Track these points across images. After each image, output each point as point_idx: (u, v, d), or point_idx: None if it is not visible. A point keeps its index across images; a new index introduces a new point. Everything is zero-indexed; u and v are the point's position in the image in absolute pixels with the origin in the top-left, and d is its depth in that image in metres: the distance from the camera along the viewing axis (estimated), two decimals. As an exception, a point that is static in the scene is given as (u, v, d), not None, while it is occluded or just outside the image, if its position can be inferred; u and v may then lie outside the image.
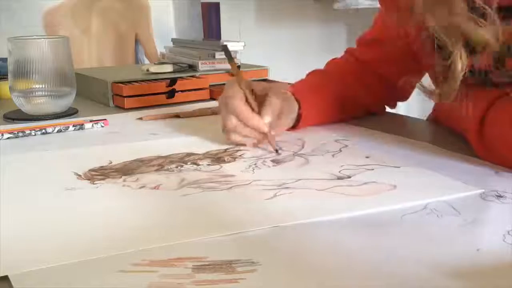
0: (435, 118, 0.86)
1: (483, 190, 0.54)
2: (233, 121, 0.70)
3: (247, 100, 0.70)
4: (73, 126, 0.81)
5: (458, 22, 0.60)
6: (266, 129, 0.69)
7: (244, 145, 0.71)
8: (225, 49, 0.76)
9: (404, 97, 0.88)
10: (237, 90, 0.71)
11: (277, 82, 0.88)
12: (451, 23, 0.60)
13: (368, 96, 0.85)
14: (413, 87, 0.82)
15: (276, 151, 0.68)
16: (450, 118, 0.77)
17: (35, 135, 0.79)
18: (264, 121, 0.69)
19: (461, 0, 0.59)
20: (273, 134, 0.70)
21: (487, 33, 0.59)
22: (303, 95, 0.78)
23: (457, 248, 0.43)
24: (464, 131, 0.68)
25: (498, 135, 0.61)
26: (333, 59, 0.90)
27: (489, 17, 0.59)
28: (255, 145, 0.71)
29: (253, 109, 0.70)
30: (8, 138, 0.78)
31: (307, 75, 0.87)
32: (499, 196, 0.53)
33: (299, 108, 0.77)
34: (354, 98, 0.83)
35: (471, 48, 0.62)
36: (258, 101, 0.71)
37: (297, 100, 0.77)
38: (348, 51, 0.89)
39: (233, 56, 1.11)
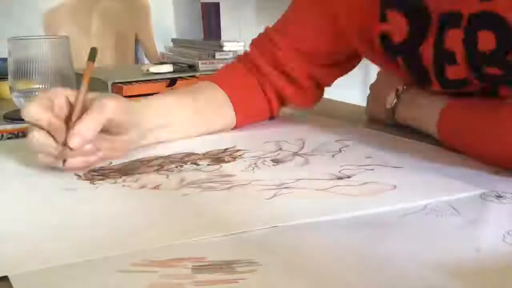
0: None
1: (483, 191, 0.54)
2: (36, 137, 0.58)
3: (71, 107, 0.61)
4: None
5: None
6: (65, 157, 0.58)
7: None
8: (92, 51, 0.68)
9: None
10: (43, 97, 0.60)
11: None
12: None
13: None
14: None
15: (64, 162, 0.58)
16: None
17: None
18: (78, 131, 0.57)
19: None
20: (88, 150, 0.59)
21: None
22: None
23: (457, 248, 0.42)
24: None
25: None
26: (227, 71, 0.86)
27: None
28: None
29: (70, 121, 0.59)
30: (8, 138, 0.78)
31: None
32: (499, 197, 0.53)
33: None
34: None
35: None
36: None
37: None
38: (244, 59, 0.84)
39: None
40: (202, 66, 1.09)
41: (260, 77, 0.81)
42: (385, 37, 0.70)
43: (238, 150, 0.69)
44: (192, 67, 1.10)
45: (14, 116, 0.90)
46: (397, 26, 0.67)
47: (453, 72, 0.64)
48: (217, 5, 2.17)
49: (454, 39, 0.62)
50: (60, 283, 0.38)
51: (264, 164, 0.64)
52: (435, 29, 0.64)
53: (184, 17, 2.66)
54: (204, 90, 0.80)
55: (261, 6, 2.37)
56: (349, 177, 0.59)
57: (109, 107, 0.61)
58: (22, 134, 0.79)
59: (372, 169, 0.61)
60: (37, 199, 0.55)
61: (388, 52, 0.71)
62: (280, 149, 0.70)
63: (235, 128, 0.81)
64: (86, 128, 0.58)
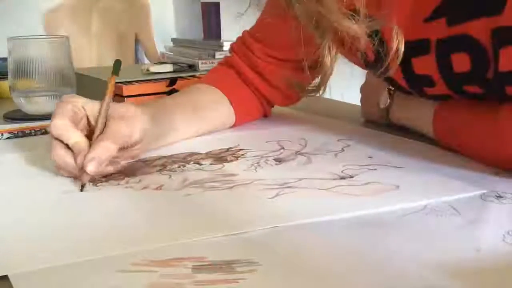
0: None
1: (483, 191, 0.54)
2: (59, 153, 0.59)
3: (89, 125, 0.62)
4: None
5: (326, 12, 0.58)
6: (84, 181, 0.57)
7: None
8: (117, 64, 0.67)
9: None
10: (67, 109, 0.60)
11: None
12: (319, 12, 0.58)
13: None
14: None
15: (82, 187, 0.57)
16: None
17: (35, 135, 0.79)
18: (90, 158, 0.57)
19: None
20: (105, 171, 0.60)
21: (356, 25, 0.57)
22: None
23: (457, 248, 0.42)
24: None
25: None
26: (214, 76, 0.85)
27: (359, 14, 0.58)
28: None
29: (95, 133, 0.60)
30: (8, 138, 0.78)
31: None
32: (499, 197, 0.53)
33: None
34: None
35: (341, 41, 0.61)
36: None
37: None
38: (226, 64, 0.85)
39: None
40: (202, 66, 1.08)
41: (244, 80, 0.83)
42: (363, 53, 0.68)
43: (240, 150, 0.69)
44: (192, 67, 1.10)
45: (14, 116, 0.90)
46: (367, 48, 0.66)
47: (432, 91, 0.65)
48: (217, 5, 2.17)
49: (426, 65, 0.62)
50: (60, 282, 0.38)
51: (266, 163, 0.64)
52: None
53: (184, 17, 2.66)
54: (200, 90, 0.81)
55: (261, 6, 2.36)
56: (351, 177, 0.59)
57: (122, 135, 0.61)
58: (22, 133, 0.79)
59: (375, 169, 0.61)
60: (38, 199, 0.55)
61: (367, 67, 0.71)
62: (283, 148, 0.69)
63: (234, 126, 0.81)
64: (100, 156, 0.58)
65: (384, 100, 0.77)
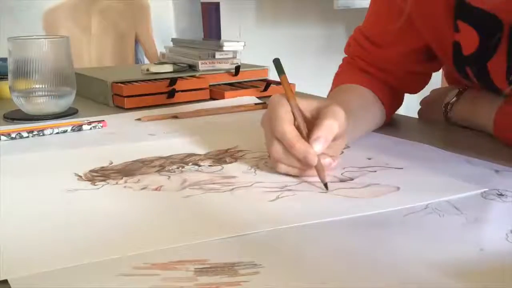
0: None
1: (484, 189, 0.54)
2: (278, 149, 0.58)
3: (295, 124, 0.59)
4: (71, 129, 0.81)
5: None
6: (314, 162, 0.57)
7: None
8: (277, 63, 0.65)
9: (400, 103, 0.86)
10: (286, 110, 0.59)
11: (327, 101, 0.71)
12: None
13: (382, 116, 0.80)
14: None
15: (325, 185, 0.56)
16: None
17: (34, 135, 0.79)
18: (312, 151, 0.57)
19: None
20: (326, 163, 0.58)
21: None
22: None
23: (460, 248, 0.42)
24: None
25: None
26: (340, 77, 0.84)
27: None
28: (301, 175, 0.59)
29: (302, 135, 0.58)
30: (7, 139, 0.77)
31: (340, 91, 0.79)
32: (500, 195, 0.52)
33: None
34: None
35: None
36: (309, 124, 0.59)
37: None
38: (349, 62, 0.85)
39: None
40: (202, 66, 1.08)
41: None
42: (457, 47, 0.70)
43: (239, 151, 0.69)
44: (192, 67, 1.10)
45: (14, 116, 0.90)
46: (468, 38, 0.68)
47: None
48: (217, 5, 2.17)
49: None
50: (60, 287, 0.38)
51: (266, 165, 0.64)
52: (506, 40, 0.64)
53: (184, 17, 2.66)
54: (352, 90, 0.79)
55: (261, 6, 2.37)
56: (351, 179, 0.58)
57: (334, 128, 0.58)
58: (21, 134, 0.78)
59: (375, 171, 0.61)
60: (38, 200, 0.54)
61: (458, 62, 0.72)
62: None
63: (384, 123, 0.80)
64: (326, 135, 0.57)
65: (449, 98, 0.81)
